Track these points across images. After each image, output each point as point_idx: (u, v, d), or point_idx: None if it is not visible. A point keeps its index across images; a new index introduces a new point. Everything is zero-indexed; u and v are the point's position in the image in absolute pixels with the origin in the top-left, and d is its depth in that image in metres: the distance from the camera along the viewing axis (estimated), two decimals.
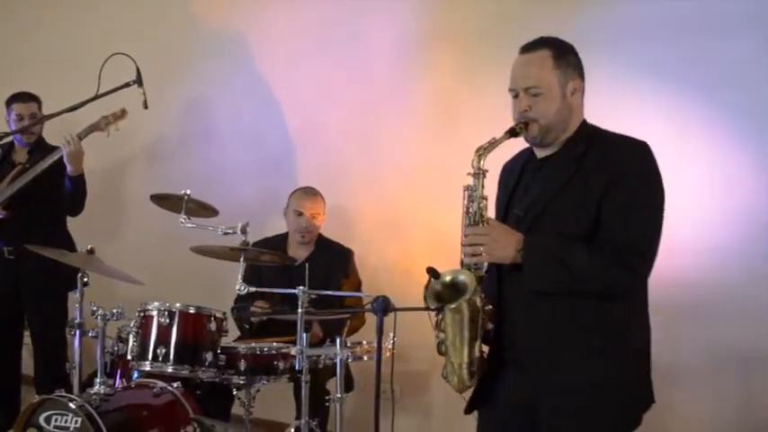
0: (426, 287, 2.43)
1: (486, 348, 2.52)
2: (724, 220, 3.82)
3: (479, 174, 2.44)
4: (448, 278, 2.43)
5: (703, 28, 3.90)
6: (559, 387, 2.36)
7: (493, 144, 2.43)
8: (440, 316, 2.44)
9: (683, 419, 3.81)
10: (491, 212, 2.49)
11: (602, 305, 2.36)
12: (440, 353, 2.46)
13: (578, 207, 2.36)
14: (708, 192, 3.79)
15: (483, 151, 2.43)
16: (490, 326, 2.46)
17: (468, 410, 2.58)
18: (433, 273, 2.43)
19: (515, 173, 2.60)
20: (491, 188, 2.51)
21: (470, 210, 2.44)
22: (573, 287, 2.34)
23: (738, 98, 3.83)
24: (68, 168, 4.34)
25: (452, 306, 2.37)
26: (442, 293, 2.41)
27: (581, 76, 2.50)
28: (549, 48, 2.45)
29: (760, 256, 3.76)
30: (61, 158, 4.35)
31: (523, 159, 2.61)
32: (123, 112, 4.39)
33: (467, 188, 2.46)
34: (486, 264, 2.45)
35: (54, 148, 4.44)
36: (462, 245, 2.43)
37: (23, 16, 5.98)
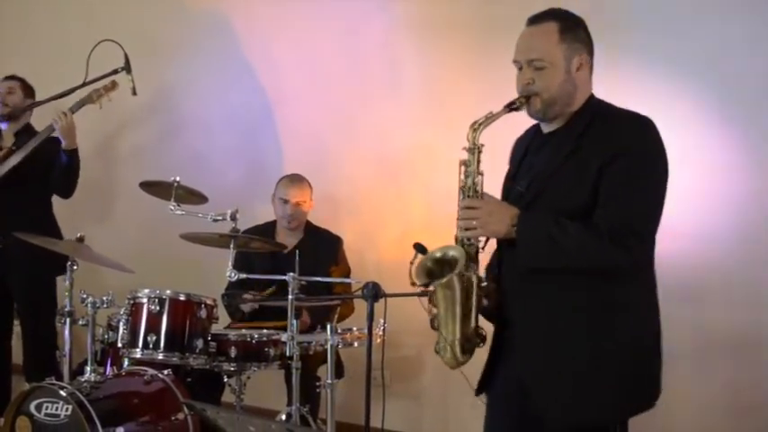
0: (412, 262, 2.39)
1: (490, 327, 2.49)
2: (714, 205, 3.83)
3: (474, 149, 2.40)
4: (438, 254, 2.39)
5: (692, 13, 3.90)
6: (550, 369, 2.33)
7: (489, 119, 2.38)
8: (432, 291, 2.39)
9: (672, 402, 3.83)
10: (487, 188, 2.44)
11: (600, 286, 2.31)
12: (433, 328, 2.43)
13: (577, 182, 2.32)
14: (698, 177, 3.79)
15: (478, 126, 2.39)
16: (486, 302, 2.42)
17: (477, 392, 2.55)
18: (419, 248, 2.40)
19: (522, 148, 2.57)
20: (489, 163, 2.46)
21: (466, 185, 2.41)
22: (565, 264, 2.31)
23: (730, 85, 3.83)
24: (63, 143, 4.30)
25: (442, 281, 2.33)
26: (434, 270, 2.37)
27: (589, 51, 2.44)
28: (556, 20, 2.40)
29: (750, 241, 3.77)
30: (48, 142, 4.32)
31: (531, 134, 2.57)
32: (114, 84, 4.33)
33: (462, 163, 2.43)
34: (481, 239, 2.42)
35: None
36: (457, 219, 2.39)
37: (10, 3, 5.93)
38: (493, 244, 2.50)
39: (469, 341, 2.40)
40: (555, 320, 2.34)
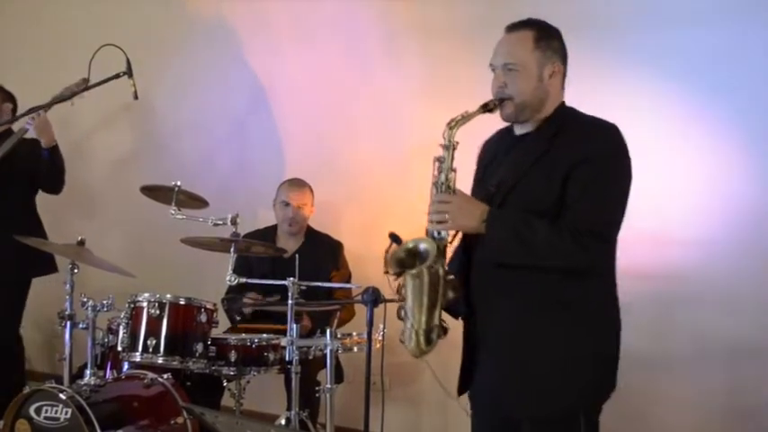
0: (387, 251, 2.47)
1: (452, 321, 2.56)
2: (711, 211, 3.83)
3: (450, 146, 2.48)
4: (410, 245, 2.47)
5: (686, 15, 3.92)
6: (520, 365, 2.43)
7: (465, 117, 2.46)
8: (401, 281, 2.47)
9: (670, 407, 3.84)
10: (460, 185, 2.51)
11: (562, 285, 2.40)
12: (399, 317, 2.50)
13: (545, 186, 2.41)
14: (695, 183, 3.81)
15: (455, 124, 2.47)
16: (451, 295, 2.48)
17: (460, 392, 2.64)
18: (394, 238, 2.48)
19: (491, 151, 2.68)
20: (463, 162, 2.54)
21: (439, 180, 2.48)
22: (529, 262, 2.40)
23: (724, 89, 3.84)
24: (42, 141, 4.32)
25: (413, 272, 2.40)
26: (405, 260, 2.44)
27: (562, 60, 2.55)
28: (532, 29, 2.51)
29: (747, 248, 3.78)
30: (26, 144, 4.33)
31: (498, 138, 2.68)
32: (84, 81, 4.30)
33: (437, 159, 2.50)
34: (449, 233, 2.49)
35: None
36: (428, 213, 2.46)
37: (11, 8, 5.95)
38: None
39: (432, 331, 2.46)
40: (518, 320, 2.44)
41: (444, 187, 2.47)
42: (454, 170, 2.49)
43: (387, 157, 4.75)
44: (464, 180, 2.57)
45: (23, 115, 4.40)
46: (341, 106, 4.91)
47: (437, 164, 2.50)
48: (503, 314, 2.46)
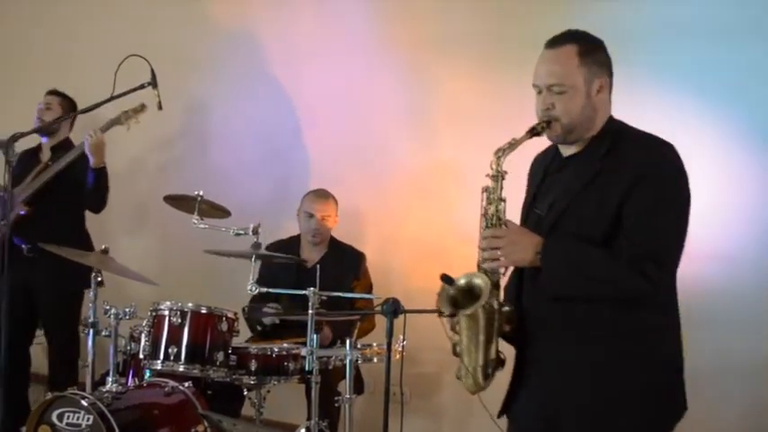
0: (439, 294, 2.38)
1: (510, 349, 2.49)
2: (733, 227, 3.82)
3: (498, 176, 2.38)
4: (462, 281, 2.38)
5: (709, 33, 3.91)
6: (574, 395, 2.32)
7: (513, 145, 2.37)
8: (455, 319, 2.38)
9: (687, 424, 3.80)
10: (510, 215, 2.42)
11: (621, 312, 2.29)
12: (455, 354, 2.42)
13: (599, 208, 2.29)
14: (717, 199, 3.78)
15: (502, 153, 2.37)
16: (507, 328, 2.40)
17: (500, 413, 2.55)
18: (446, 279, 2.38)
19: (540, 170, 2.54)
20: (512, 188, 2.46)
21: (488, 212, 2.39)
22: (590, 293, 2.29)
23: (748, 105, 3.83)
24: (91, 160, 4.35)
25: (467, 312, 2.32)
26: (457, 298, 2.36)
27: (608, 72, 2.41)
28: (575, 43, 2.36)
29: None
30: (83, 156, 4.37)
31: (550, 156, 2.54)
32: (142, 107, 4.41)
33: (485, 189, 2.40)
34: (503, 268, 2.38)
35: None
36: (480, 248, 2.38)
37: (39, 18, 6.02)
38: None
39: (489, 366, 2.39)
40: (573, 348, 2.33)
41: (495, 218, 2.38)
42: (503, 200, 2.39)
43: (412, 169, 4.76)
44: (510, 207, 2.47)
45: (56, 122, 4.49)
46: (367, 117, 4.92)
47: (485, 194, 2.40)
48: (558, 342, 2.36)
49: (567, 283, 2.30)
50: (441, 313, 2.37)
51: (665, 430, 2.38)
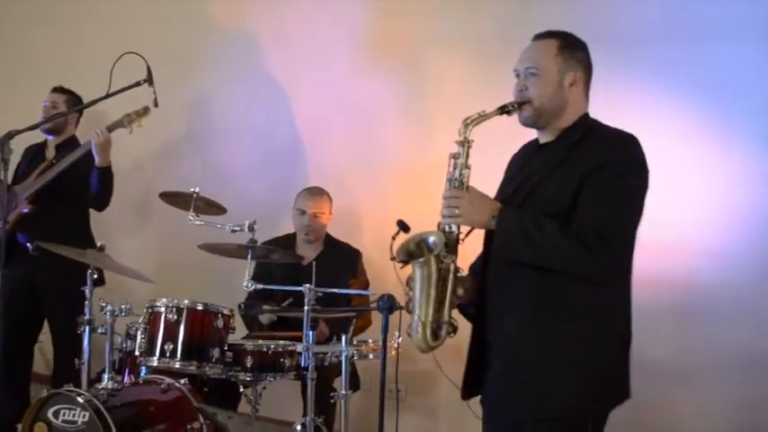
0: (393, 237, 2.52)
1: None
2: (728, 222, 3.82)
3: (465, 143, 2.51)
4: (419, 236, 2.48)
5: (703, 30, 3.92)
6: (521, 366, 2.42)
7: (482, 117, 2.50)
8: (410, 275, 2.48)
9: (684, 419, 3.82)
10: (473, 182, 2.52)
11: (567, 289, 2.40)
12: (407, 311, 2.50)
13: (561, 190, 2.42)
14: (713, 194, 3.80)
15: (471, 122, 2.51)
16: (461, 292, 2.48)
17: (463, 396, 2.63)
18: (401, 225, 2.53)
19: (516, 162, 2.71)
20: (478, 160, 2.54)
21: (453, 176, 2.50)
22: (534, 259, 2.39)
23: (743, 101, 3.84)
24: (96, 159, 4.35)
25: (420, 260, 2.41)
26: (414, 252, 2.46)
27: (585, 71, 2.56)
28: (557, 38, 2.55)
29: (764, 260, 3.77)
30: (87, 155, 4.37)
31: (525, 150, 2.72)
32: (146, 110, 4.39)
33: (452, 155, 2.52)
34: (461, 229, 2.48)
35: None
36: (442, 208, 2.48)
37: (34, 14, 6.01)
38: (475, 241, 2.56)
39: (440, 327, 2.46)
40: (526, 322, 2.43)
41: (457, 183, 2.49)
42: (468, 167, 2.50)
43: (409, 167, 4.76)
44: (479, 181, 2.56)
45: (53, 119, 4.48)
46: (366, 116, 4.92)
47: (452, 160, 2.52)
48: (511, 317, 2.46)
49: (515, 245, 2.40)
50: (394, 258, 2.47)
51: (600, 411, 2.47)
